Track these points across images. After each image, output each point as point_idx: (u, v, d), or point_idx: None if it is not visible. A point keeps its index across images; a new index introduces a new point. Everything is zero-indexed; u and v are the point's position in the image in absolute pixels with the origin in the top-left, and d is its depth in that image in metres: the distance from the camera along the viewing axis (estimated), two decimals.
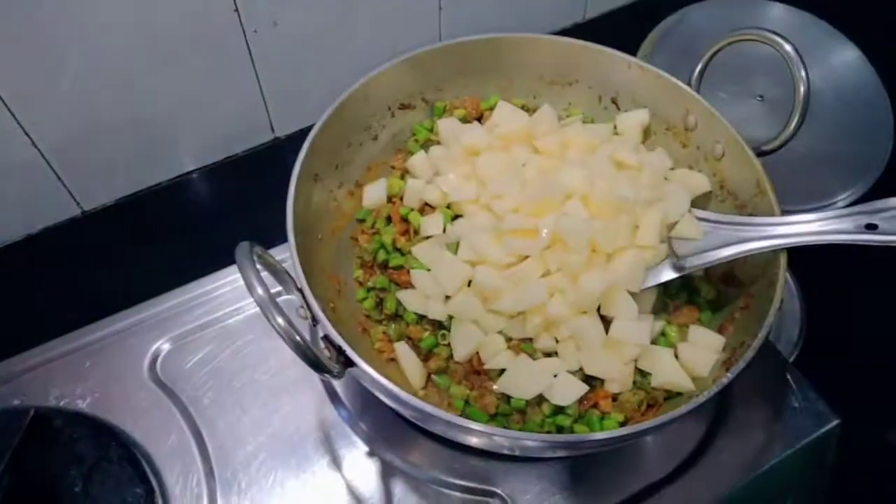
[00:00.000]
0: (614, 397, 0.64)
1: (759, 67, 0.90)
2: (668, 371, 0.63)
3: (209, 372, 0.74)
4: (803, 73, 0.66)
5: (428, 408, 0.53)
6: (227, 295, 0.79)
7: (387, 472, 0.69)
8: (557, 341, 0.64)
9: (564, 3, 1.10)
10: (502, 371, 0.64)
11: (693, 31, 0.95)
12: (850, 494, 0.85)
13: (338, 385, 0.73)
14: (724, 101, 0.87)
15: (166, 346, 0.76)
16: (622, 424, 0.62)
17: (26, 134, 0.81)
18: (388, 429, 0.70)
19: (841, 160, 0.90)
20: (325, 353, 0.56)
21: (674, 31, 0.96)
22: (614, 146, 0.73)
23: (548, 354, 0.65)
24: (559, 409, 0.62)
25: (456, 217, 0.71)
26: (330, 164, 0.73)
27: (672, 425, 0.55)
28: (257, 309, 0.52)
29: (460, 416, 0.64)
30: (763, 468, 0.69)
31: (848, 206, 0.84)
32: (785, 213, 0.65)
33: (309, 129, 0.69)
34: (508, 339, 0.65)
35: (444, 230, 0.70)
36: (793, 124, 0.68)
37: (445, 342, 0.67)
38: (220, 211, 0.96)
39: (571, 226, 0.63)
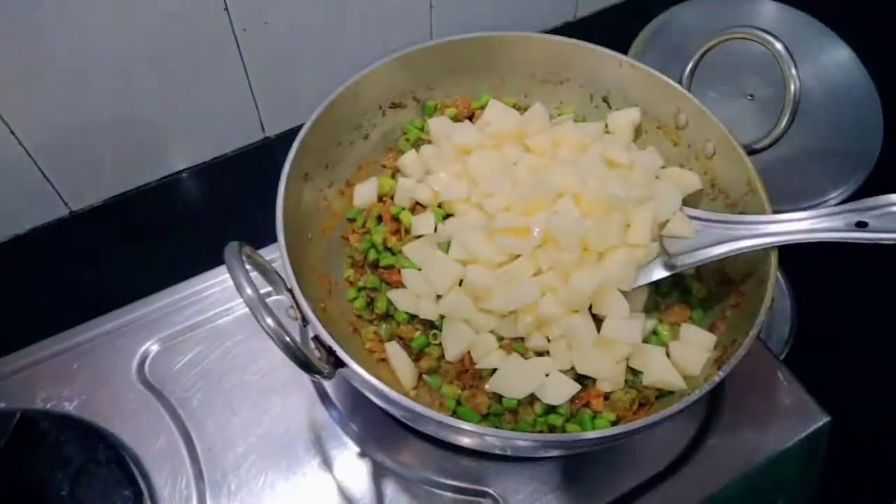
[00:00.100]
0: (606, 396, 0.63)
1: (750, 66, 0.90)
2: (659, 370, 0.63)
3: (198, 373, 0.74)
4: (794, 72, 0.66)
5: (419, 408, 0.53)
6: (217, 295, 0.79)
7: (378, 473, 0.68)
8: (549, 340, 0.64)
9: (556, 1, 1.10)
10: (494, 371, 0.63)
11: (684, 29, 0.95)
12: (840, 491, 0.85)
13: (328, 385, 0.73)
14: (715, 100, 0.87)
15: (155, 347, 0.75)
16: (614, 423, 0.62)
17: (12, 133, 0.80)
18: (380, 429, 0.70)
19: (831, 158, 0.90)
20: (315, 354, 0.55)
21: (665, 29, 0.96)
22: (606, 145, 0.73)
23: (539, 354, 0.65)
24: (551, 409, 0.62)
25: (447, 216, 0.71)
26: (320, 164, 0.73)
27: (664, 424, 0.54)
28: (247, 309, 0.52)
29: (452, 415, 0.64)
30: (754, 466, 0.69)
31: (838, 203, 0.84)
32: (776, 211, 0.65)
33: (299, 128, 0.68)
34: (500, 339, 0.65)
35: (436, 229, 0.69)
36: (783, 123, 0.68)
37: (437, 342, 0.66)
38: (209, 211, 0.96)
39: (563, 224, 0.62)
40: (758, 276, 0.64)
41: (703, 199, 0.74)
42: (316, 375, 0.53)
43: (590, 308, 0.64)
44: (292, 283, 0.58)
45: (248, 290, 0.51)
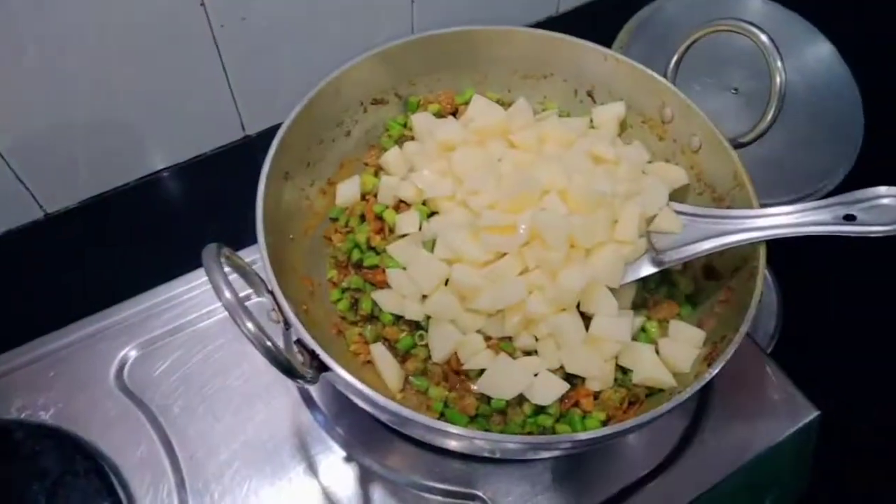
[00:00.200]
0: (595, 395, 0.63)
1: (734, 60, 0.90)
2: (649, 367, 0.62)
3: (179, 378, 0.72)
4: (779, 64, 0.66)
5: (405, 412, 0.52)
6: (198, 298, 0.77)
7: (365, 478, 0.67)
8: (537, 339, 0.63)
9: None
10: (482, 371, 0.63)
11: (669, 21, 0.95)
12: (829, 483, 0.85)
13: (313, 389, 0.71)
14: (699, 93, 0.86)
15: (134, 353, 0.74)
16: (604, 423, 0.61)
17: None
18: (366, 433, 0.69)
19: (813, 153, 0.90)
20: (298, 358, 0.54)
21: (650, 21, 0.95)
22: (591, 140, 0.72)
23: (527, 353, 0.64)
24: (540, 409, 0.61)
25: (432, 214, 0.70)
26: (301, 162, 0.72)
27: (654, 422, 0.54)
28: None
29: (439, 418, 0.63)
30: (745, 462, 0.69)
31: (823, 197, 0.84)
32: (762, 205, 0.65)
33: (280, 126, 0.67)
34: (487, 339, 0.64)
35: (420, 228, 0.68)
36: (769, 116, 0.68)
37: (423, 343, 0.66)
38: (189, 211, 0.94)
39: (549, 221, 0.62)
40: (746, 270, 0.63)
41: (690, 193, 0.73)
42: (299, 381, 0.52)
43: (578, 306, 0.63)
44: (273, 284, 0.57)
45: (227, 294, 0.49)
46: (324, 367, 0.54)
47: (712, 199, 0.71)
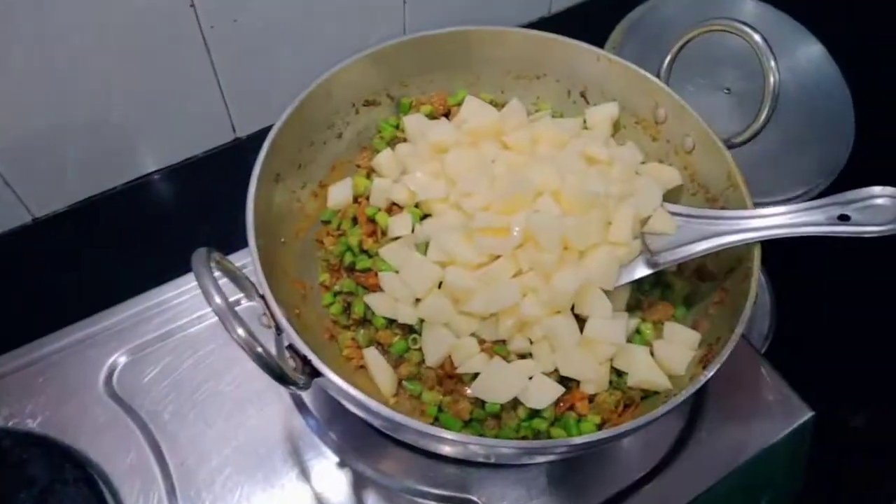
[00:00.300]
0: (591, 398, 0.62)
1: (727, 60, 0.90)
2: (644, 370, 0.62)
3: (169, 384, 0.71)
4: (773, 64, 0.65)
5: (399, 417, 0.51)
6: (188, 303, 0.76)
7: (358, 483, 0.67)
8: (531, 342, 0.63)
9: None
10: (476, 375, 0.62)
11: (663, 21, 0.94)
12: (824, 484, 0.85)
13: (305, 394, 0.71)
14: (692, 94, 0.86)
15: (123, 359, 0.73)
16: (599, 426, 0.61)
17: None
18: (359, 438, 0.68)
19: (804, 153, 0.91)
20: (290, 364, 0.53)
21: (643, 21, 0.95)
22: (584, 141, 0.72)
23: (522, 356, 0.63)
24: (535, 413, 0.61)
25: (425, 216, 0.69)
26: (292, 164, 0.71)
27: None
28: None
29: (433, 422, 0.63)
30: (740, 464, 0.69)
31: (814, 198, 0.84)
32: (755, 205, 0.64)
33: (271, 128, 0.66)
34: (481, 342, 0.63)
35: (413, 230, 0.68)
36: (763, 116, 0.68)
37: (416, 347, 0.65)
38: (179, 215, 0.93)
39: (543, 223, 0.61)
40: (741, 271, 0.63)
41: (684, 194, 0.73)
42: (291, 387, 0.51)
43: (572, 308, 0.62)
44: (264, 289, 0.56)
45: (217, 299, 0.48)
46: (316, 373, 0.53)
47: (706, 199, 0.71)
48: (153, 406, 0.70)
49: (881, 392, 0.90)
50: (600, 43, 0.83)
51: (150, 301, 0.76)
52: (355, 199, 0.73)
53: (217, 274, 0.52)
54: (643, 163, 0.74)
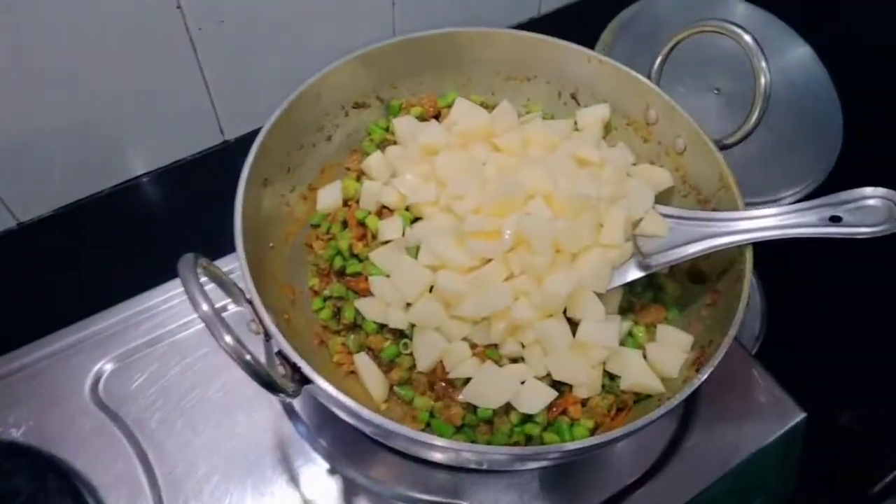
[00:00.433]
0: (583, 402, 0.62)
1: (716, 60, 0.90)
2: (637, 373, 0.61)
3: (157, 392, 0.70)
4: (764, 65, 0.65)
5: (391, 425, 0.50)
6: (176, 308, 0.75)
7: (349, 490, 0.66)
8: (523, 346, 0.62)
9: None
10: (467, 380, 0.61)
11: (654, 21, 0.95)
12: (816, 484, 0.85)
13: (295, 400, 0.70)
14: (682, 94, 0.86)
15: (109, 366, 0.72)
16: (592, 430, 0.61)
17: None
18: (350, 444, 0.67)
19: (793, 154, 0.91)
20: (279, 371, 0.53)
21: (634, 21, 0.95)
22: (575, 143, 0.71)
23: (514, 360, 0.63)
24: (528, 418, 0.60)
25: (415, 220, 0.69)
26: (281, 167, 0.70)
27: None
28: None
29: (425, 428, 0.62)
30: (732, 467, 0.68)
31: (803, 199, 0.85)
32: (746, 206, 0.64)
33: (260, 130, 0.66)
34: (473, 346, 0.63)
35: (403, 234, 0.67)
36: (754, 117, 0.68)
37: (407, 352, 0.64)
38: (167, 218, 0.92)
39: (535, 226, 0.61)
40: (733, 273, 0.63)
41: (675, 196, 0.73)
42: (281, 395, 0.50)
43: (564, 312, 0.62)
44: (253, 294, 0.56)
45: (204, 306, 0.47)
46: (306, 380, 0.52)
47: (697, 201, 0.71)
48: (140, 414, 0.69)
49: (871, 391, 0.91)
50: (591, 43, 0.83)
51: (137, 307, 0.75)
52: (345, 203, 0.73)
53: (204, 279, 0.52)
54: (634, 164, 0.74)
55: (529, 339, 0.61)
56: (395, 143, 0.75)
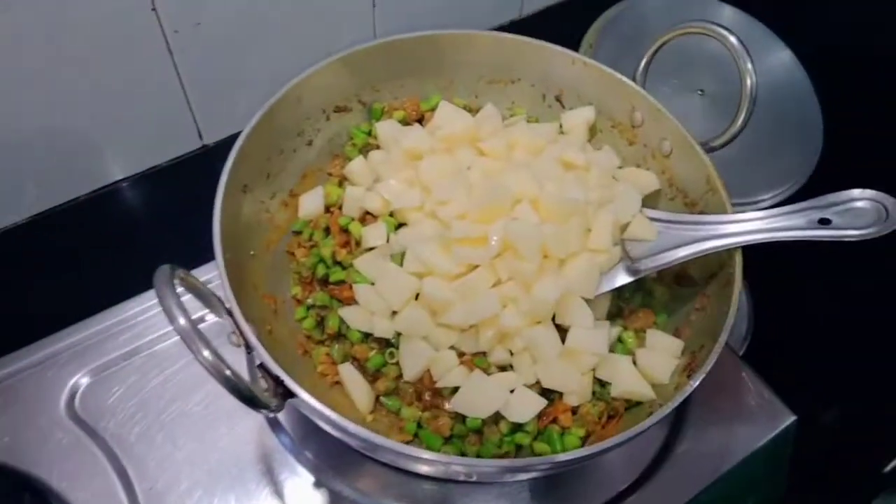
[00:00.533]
0: (574, 410, 0.61)
1: (700, 62, 0.90)
2: (627, 380, 0.61)
3: (135, 405, 0.69)
4: (750, 66, 0.65)
5: (377, 439, 0.49)
6: (154, 318, 0.74)
7: (335, 503, 0.64)
8: (512, 354, 0.61)
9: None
10: (456, 389, 0.60)
11: (638, 21, 0.95)
12: (805, 485, 0.85)
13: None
14: (667, 96, 0.86)
15: (86, 380, 0.70)
16: (584, 438, 0.60)
17: None
18: (335, 456, 0.66)
19: (775, 156, 0.91)
20: (261, 384, 0.51)
21: (618, 21, 0.95)
22: (561, 146, 0.71)
23: (502, 368, 0.62)
24: (517, 427, 0.60)
25: (400, 226, 0.68)
26: (261, 173, 0.69)
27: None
28: None
29: (413, 439, 0.61)
30: (724, 472, 0.68)
31: (785, 200, 0.85)
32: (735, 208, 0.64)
33: (239, 135, 0.65)
34: (460, 355, 0.62)
35: (388, 240, 0.66)
36: (741, 119, 0.67)
37: (394, 361, 0.63)
38: (145, 226, 0.90)
39: (522, 232, 0.60)
40: (723, 277, 0.62)
41: (662, 199, 0.72)
42: (263, 411, 0.49)
43: (553, 318, 0.61)
44: (233, 306, 0.54)
45: (181, 320, 0.46)
46: (289, 394, 0.51)
47: (684, 204, 0.70)
48: (118, 429, 0.67)
49: (858, 391, 0.91)
50: (574, 45, 0.83)
51: (114, 318, 0.73)
52: (327, 209, 0.72)
53: (180, 290, 0.50)
54: (620, 167, 0.74)
55: (518, 347, 0.61)
56: (377, 147, 0.74)
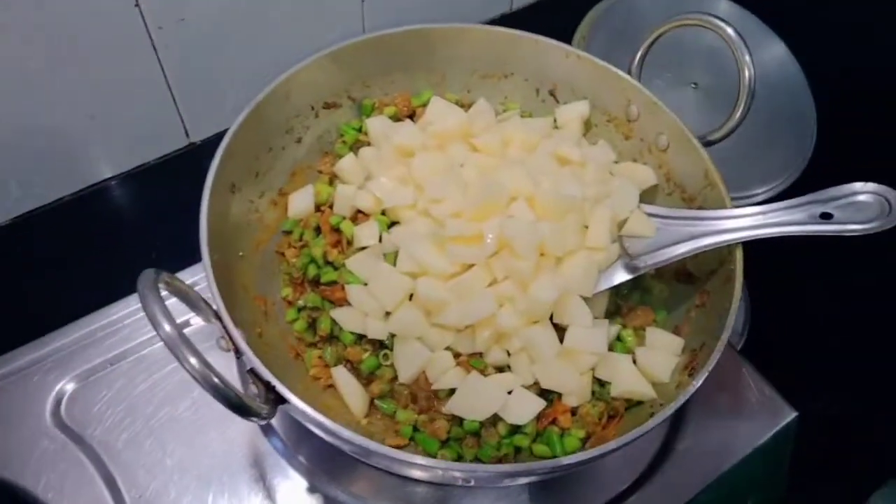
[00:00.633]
0: (573, 411, 0.60)
1: (693, 54, 0.89)
2: (627, 379, 0.60)
3: (123, 411, 0.67)
4: (748, 59, 0.64)
5: (373, 445, 0.48)
6: (141, 322, 0.72)
7: None
8: (509, 354, 0.60)
9: None
10: (452, 391, 0.59)
11: (631, 13, 0.94)
12: (806, 480, 0.84)
13: None
14: (661, 89, 0.86)
15: (71, 386, 0.68)
16: (584, 440, 0.59)
17: None
18: (329, 460, 0.65)
19: (769, 149, 0.91)
20: (251, 390, 0.50)
21: (610, 15, 0.94)
22: (556, 141, 0.70)
23: (500, 369, 0.61)
24: (516, 429, 0.59)
25: (392, 224, 0.67)
26: (249, 172, 0.68)
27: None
28: None
29: (409, 443, 0.60)
30: (725, 469, 0.67)
31: (780, 194, 0.84)
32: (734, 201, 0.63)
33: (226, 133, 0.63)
34: (457, 356, 0.61)
35: (380, 239, 0.65)
36: (739, 111, 0.67)
37: (388, 363, 0.62)
38: (130, 226, 0.88)
39: (518, 230, 0.59)
40: (723, 272, 0.61)
41: (659, 194, 0.72)
42: (254, 419, 0.47)
43: (551, 318, 0.60)
44: (221, 309, 0.53)
45: (166, 327, 0.44)
46: (281, 399, 0.50)
47: (682, 199, 0.69)
48: (106, 435, 0.66)
49: (857, 387, 0.90)
50: (566, 38, 0.82)
51: (99, 321, 0.72)
52: (318, 208, 0.70)
53: (165, 294, 0.48)
54: (616, 162, 0.73)
55: (515, 347, 0.60)
56: (368, 144, 0.73)
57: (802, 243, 0.72)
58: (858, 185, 0.57)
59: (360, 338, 0.63)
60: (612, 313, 0.65)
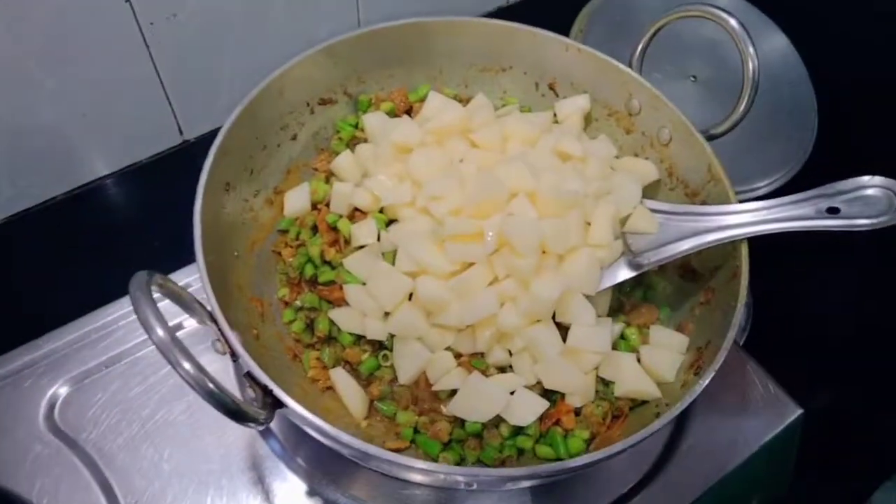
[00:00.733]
0: (577, 411, 0.59)
1: (693, 47, 0.89)
2: (632, 378, 0.59)
3: (118, 414, 0.66)
4: (752, 50, 0.63)
5: (373, 450, 0.47)
6: (135, 324, 0.66)
7: None
8: (511, 354, 0.60)
9: None
10: (453, 392, 0.58)
11: (627, 7, 0.93)
12: (810, 478, 0.84)
13: None
14: (660, 82, 0.85)
15: (65, 389, 0.67)
16: (588, 441, 0.58)
17: None
18: (328, 462, 0.64)
19: (768, 144, 0.90)
20: (248, 393, 0.49)
21: (607, 7, 0.94)
22: (556, 136, 0.69)
23: (502, 369, 0.60)
24: (519, 430, 0.58)
25: (390, 222, 0.66)
26: (243, 170, 0.67)
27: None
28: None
29: (410, 445, 0.60)
30: (731, 468, 0.66)
31: (782, 188, 0.83)
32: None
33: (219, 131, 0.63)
34: (458, 356, 0.60)
35: (379, 238, 0.64)
36: (742, 104, 0.66)
37: (388, 364, 0.62)
38: (124, 226, 0.87)
39: (519, 227, 0.58)
40: (728, 269, 0.61)
41: (662, 189, 0.71)
42: (251, 425, 0.46)
43: (553, 316, 0.59)
44: (216, 312, 0.52)
45: (159, 332, 0.43)
46: (279, 403, 0.49)
47: (685, 194, 0.68)
48: (101, 440, 0.65)
49: (860, 384, 0.90)
50: (563, 31, 0.81)
51: (93, 324, 0.71)
52: (314, 206, 0.70)
53: (158, 296, 0.47)
54: (617, 157, 0.72)
55: (517, 347, 0.59)
56: (365, 141, 0.72)
57: (805, 237, 0.71)
58: (866, 179, 0.56)
59: (359, 338, 0.62)
60: (615, 311, 0.65)
